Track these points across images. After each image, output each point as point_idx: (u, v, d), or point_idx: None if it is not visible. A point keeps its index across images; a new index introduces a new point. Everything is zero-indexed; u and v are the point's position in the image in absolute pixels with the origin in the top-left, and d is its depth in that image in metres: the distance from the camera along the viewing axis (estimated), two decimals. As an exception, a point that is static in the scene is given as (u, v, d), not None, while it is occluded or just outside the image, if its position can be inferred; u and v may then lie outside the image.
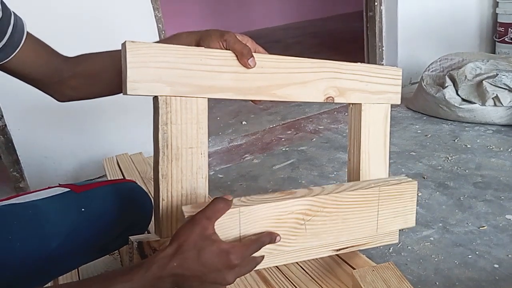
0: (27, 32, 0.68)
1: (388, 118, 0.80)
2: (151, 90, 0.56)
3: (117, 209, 0.80)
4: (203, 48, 0.60)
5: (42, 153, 1.65)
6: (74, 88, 0.76)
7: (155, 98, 0.58)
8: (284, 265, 0.79)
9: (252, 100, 0.67)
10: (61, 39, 1.59)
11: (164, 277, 0.51)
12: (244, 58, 0.62)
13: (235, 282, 0.71)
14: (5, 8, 0.64)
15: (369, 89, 0.76)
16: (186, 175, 0.61)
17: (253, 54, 0.64)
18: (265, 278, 0.79)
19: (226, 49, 0.62)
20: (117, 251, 0.98)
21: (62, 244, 0.73)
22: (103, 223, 0.79)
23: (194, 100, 0.59)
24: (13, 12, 0.67)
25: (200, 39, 0.65)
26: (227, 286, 0.54)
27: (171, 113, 0.58)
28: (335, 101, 0.73)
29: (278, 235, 0.60)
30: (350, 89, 0.74)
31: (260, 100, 0.67)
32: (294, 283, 0.79)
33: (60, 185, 0.81)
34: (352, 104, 0.77)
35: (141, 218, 0.87)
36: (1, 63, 0.66)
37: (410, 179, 0.75)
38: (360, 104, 0.76)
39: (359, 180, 0.78)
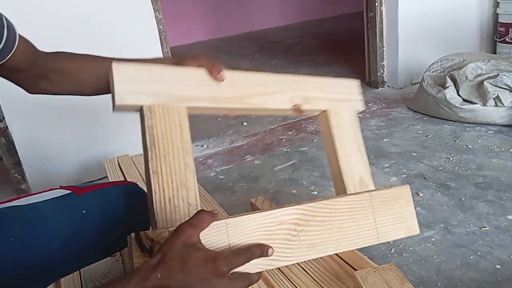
0: (18, 36, 0.71)
1: (356, 122, 0.82)
2: (136, 101, 0.64)
3: (118, 211, 0.80)
4: (181, 66, 0.70)
5: (44, 155, 1.65)
6: (49, 82, 0.78)
7: (140, 108, 0.64)
8: (286, 266, 0.80)
9: (225, 115, 0.75)
10: (60, 40, 1.60)
11: None
12: (214, 72, 0.71)
13: None
14: None
15: (331, 97, 0.80)
16: (175, 171, 0.64)
17: (225, 70, 0.72)
18: (267, 280, 0.79)
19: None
20: (118, 253, 0.98)
21: (63, 246, 0.73)
22: (105, 225, 0.79)
23: (175, 108, 0.65)
24: (3, 16, 0.68)
25: (177, 62, 0.74)
26: None
27: (155, 119, 0.64)
28: (302, 108, 0.76)
29: (270, 247, 0.57)
30: (314, 97, 0.78)
31: (233, 115, 0.76)
32: (296, 285, 0.79)
33: (61, 187, 0.81)
34: (320, 112, 0.80)
35: (143, 220, 0.87)
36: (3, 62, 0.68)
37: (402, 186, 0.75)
38: (326, 110, 0.79)
39: (342, 181, 0.78)
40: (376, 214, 0.70)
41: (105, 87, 0.77)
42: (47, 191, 0.80)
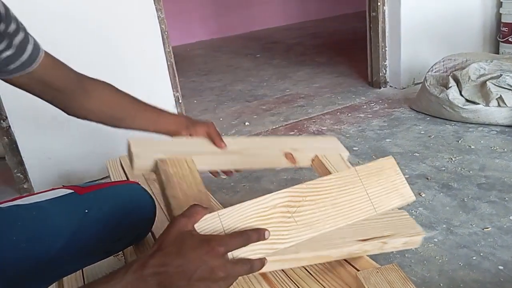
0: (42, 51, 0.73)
1: (347, 162, 0.90)
2: (150, 160, 0.74)
3: (121, 211, 0.80)
4: (188, 138, 0.84)
5: (46, 155, 1.65)
6: (81, 107, 0.81)
7: (155, 163, 0.75)
8: (290, 268, 0.79)
9: (224, 172, 0.84)
10: (63, 39, 1.61)
11: (146, 277, 0.48)
12: (219, 142, 0.81)
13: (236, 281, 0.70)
14: (24, 31, 0.70)
15: (318, 146, 0.91)
16: (190, 194, 0.72)
17: (224, 138, 0.82)
18: (270, 280, 0.78)
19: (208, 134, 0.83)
20: (121, 252, 0.98)
21: (66, 245, 0.74)
22: (107, 224, 0.79)
23: (182, 158, 0.76)
24: (31, 37, 0.72)
25: (187, 126, 0.85)
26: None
27: (168, 163, 0.74)
28: (294, 156, 0.85)
29: (267, 230, 0.58)
30: (302, 148, 0.88)
31: (231, 172, 0.84)
32: (298, 285, 0.79)
33: (63, 187, 0.81)
34: (312, 159, 0.89)
35: (145, 219, 0.87)
36: (24, 73, 0.70)
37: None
38: (317, 155, 0.88)
39: None
40: (366, 187, 0.71)
41: (129, 129, 0.88)
42: (50, 190, 0.80)
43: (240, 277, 0.67)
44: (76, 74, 0.80)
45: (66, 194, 0.78)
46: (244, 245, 0.55)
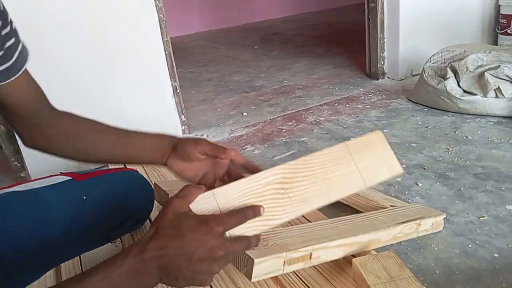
0: (25, 67, 0.67)
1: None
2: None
3: (119, 198, 0.80)
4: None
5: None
6: (45, 138, 0.72)
7: None
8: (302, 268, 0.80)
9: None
10: (57, 30, 1.59)
11: (146, 261, 0.48)
12: (221, 154, 0.69)
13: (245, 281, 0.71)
14: (16, 36, 0.65)
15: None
16: None
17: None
18: (281, 283, 0.78)
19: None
20: (119, 239, 0.99)
21: (64, 232, 0.74)
22: (105, 211, 0.79)
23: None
24: (22, 41, 0.67)
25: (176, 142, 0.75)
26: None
27: None
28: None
29: (261, 206, 0.59)
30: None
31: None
32: (296, 272, 0.80)
33: (61, 174, 0.81)
34: None
35: (143, 207, 0.88)
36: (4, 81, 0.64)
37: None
38: None
39: None
40: (356, 161, 0.73)
41: (103, 158, 0.77)
42: (47, 177, 0.80)
43: (256, 285, 0.70)
44: (48, 104, 0.73)
45: (64, 181, 0.78)
46: (242, 223, 0.55)
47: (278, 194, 0.65)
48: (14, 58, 0.64)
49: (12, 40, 0.64)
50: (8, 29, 0.63)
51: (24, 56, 0.66)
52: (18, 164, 1.63)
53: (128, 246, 0.51)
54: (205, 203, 0.58)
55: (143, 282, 0.49)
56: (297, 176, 0.67)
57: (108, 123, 0.75)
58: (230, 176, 0.73)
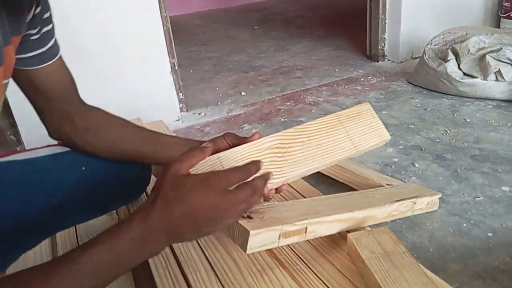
0: (60, 54, 0.72)
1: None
2: None
3: (117, 170, 0.80)
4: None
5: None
6: (73, 126, 0.74)
7: None
8: (297, 243, 0.80)
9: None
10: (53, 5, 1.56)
11: (152, 228, 0.47)
12: (249, 138, 0.71)
13: (246, 260, 0.72)
14: (53, 22, 0.68)
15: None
16: None
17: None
18: (278, 258, 0.78)
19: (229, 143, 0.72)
20: (115, 211, 0.99)
21: (61, 202, 0.74)
22: (103, 182, 0.79)
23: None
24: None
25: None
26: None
27: None
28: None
29: (261, 161, 0.60)
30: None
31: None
32: (291, 247, 0.80)
33: (59, 144, 0.80)
34: None
35: (140, 179, 0.87)
36: (33, 68, 0.67)
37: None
38: None
39: None
40: (347, 129, 0.80)
41: (128, 151, 0.76)
42: (45, 147, 0.79)
43: (251, 259, 0.72)
44: (79, 96, 0.77)
45: (62, 152, 0.78)
46: (245, 179, 0.54)
47: (276, 157, 0.70)
48: (50, 44, 0.68)
49: (50, 26, 0.67)
50: (48, 14, 0.66)
51: (58, 43, 0.70)
52: (14, 138, 1.62)
53: (131, 214, 0.49)
54: (210, 165, 0.62)
55: (151, 248, 0.49)
56: (294, 141, 0.73)
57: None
58: None
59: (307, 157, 0.73)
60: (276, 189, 0.71)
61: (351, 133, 0.80)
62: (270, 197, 0.69)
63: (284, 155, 0.71)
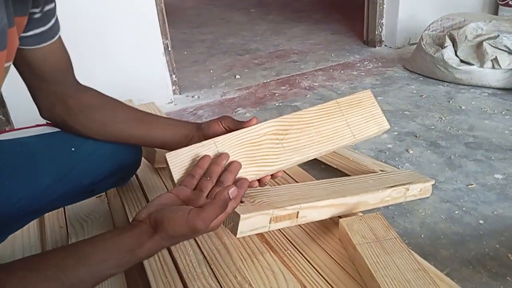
0: (59, 35, 0.69)
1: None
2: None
3: (107, 152, 0.78)
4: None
5: (30, 96, 1.59)
6: (66, 108, 0.72)
7: None
8: (288, 228, 0.79)
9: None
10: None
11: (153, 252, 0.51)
12: (246, 123, 0.70)
13: (236, 245, 0.72)
14: (55, 2, 0.66)
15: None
16: None
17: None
18: (269, 243, 0.78)
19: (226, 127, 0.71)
20: (104, 193, 0.97)
21: (50, 183, 0.72)
22: (93, 163, 0.77)
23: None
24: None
25: (198, 127, 0.73)
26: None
27: None
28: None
29: (239, 162, 0.63)
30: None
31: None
32: (283, 232, 0.79)
33: (48, 124, 0.78)
34: None
35: (130, 162, 0.86)
36: (32, 47, 0.65)
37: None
38: None
39: None
40: (346, 117, 0.78)
41: (122, 133, 0.75)
42: (34, 127, 0.77)
43: (241, 242, 0.73)
44: (74, 77, 0.75)
45: (52, 132, 0.76)
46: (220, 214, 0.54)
47: (273, 143, 0.69)
48: (51, 23, 0.65)
49: (52, 5, 0.65)
50: None
51: (57, 25, 0.68)
52: (2, 118, 1.59)
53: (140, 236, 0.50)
54: (206, 149, 0.63)
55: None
56: (291, 128, 0.71)
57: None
58: None
59: (305, 145, 0.71)
60: (272, 175, 0.70)
61: (350, 121, 0.77)
62: (266, 182, 0.68)
63: (281, 141, 0.69)
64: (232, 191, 0.54)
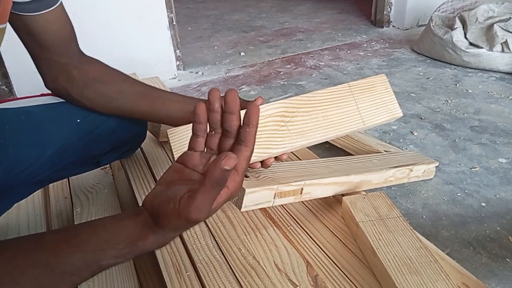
0: (61, 2, 0.67)
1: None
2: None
3: (113, 124, 0.78)
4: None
5: (33, 67, 1.58)
6: (70, 79, 0.71)
7: None
8: (291, 204, 0.80)
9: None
10: None
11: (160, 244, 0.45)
12: (253, 101, 0.65)
13: (240, 219, 0.72)
14: None
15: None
16: None
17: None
18: (272, 217, 0.78)
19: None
20: (108, 165, 0.98)
21: (55, 153, 0.72)
22: (99, 136, 0.77)
23: None
24: None
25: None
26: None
27: None
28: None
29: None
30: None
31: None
32: (287, 208, 0.80)
33: (53, 94, 0.77)
34: None
35: (135, 135, 0.86)
36: (31, 14, 0.63)
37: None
38: None
39: None
40: (357, 101, 0.73)
41: (126, 106, 0.73)
42: (39, 96, 0.77)
43: (246, 217, 0.71)
44: (78, 47, 0.73)
45: (57, 102, 0.75)
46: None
47: (278, 126, 0.66)
48: None
49: None
50: None
51: None
52: (5, 89, 1.58)
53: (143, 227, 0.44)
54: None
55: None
56: (298, 111, 0.68)
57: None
58: None
59: (311, 128, 0.68)
60: (276, 157, 0.68)
61: (361, 106, 0.73)
62: (268, 165, 0.66)
63: (287, 124, 0.67)
64: (226, 160, 0.39)
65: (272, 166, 0.77)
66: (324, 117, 0.69)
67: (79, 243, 0.42)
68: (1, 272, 0.39)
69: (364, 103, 0.74)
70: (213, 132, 0.49)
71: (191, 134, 0.50)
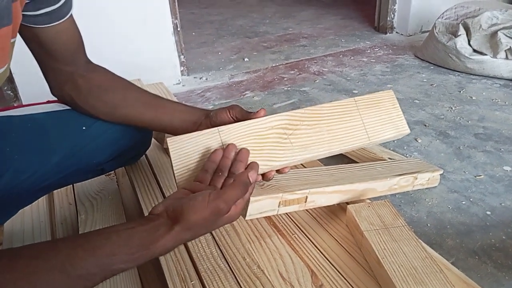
0: (71, 13, 0.68)
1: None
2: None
3: (118, 131, 0.78)
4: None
5: (39, 72, 1.59)
6: (75, 87, 0.72)
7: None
8: (296, 212, 0.79)
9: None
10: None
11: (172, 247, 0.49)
12: (254, 115, 0.67)
13: (244, 227, 0.72)
14: None
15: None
16: None
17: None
18: (276, 226, 0.78)
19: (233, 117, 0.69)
20: (113, 172, 0.98)
21: (60, 160, 0.72)
22: (103, 143, 0.77)
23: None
24: None
25: (206, 115, 0.71)
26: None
27: None
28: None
29: (247, 150, 0.60)
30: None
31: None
32: (291, 217, 0.79)
33: (58, 101, 0.78)
34: None
35: (140, 142, 0.86)
36: (42, 26, 0.64)
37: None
38: None
39: None
40: (363, 117, 0.72)
41: (129, 115, 0.73)
42: (45, 103, 0.77)
43: (250, 224, 0.72)
44: (85, 56, 0.74)
45: (63, 110, 0.76)
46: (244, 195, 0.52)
47: (280, 138, 0.65)
48: (61, 2, 0.64)
49: None
50: None
51: (70, 1, 0.66)
52: (11, 94, 1.59)
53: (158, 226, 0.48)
54: (209, 137, 0.60)
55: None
56: (302, 124, 0.67)
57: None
58: None
59: (314, 142, 0.67)
60: (277, 170, 0.67)
61: (367, 121, 0.72)
62: (270, 178, 0.65)
63: (289, 137, 0.66)
64: (252, 173, 0.53)
65: (276, 175, 0.77)
66: (328, 131, 0.69)
67: (93, 248, 0.44)
68: (18, 277, 0.40)
69: (370, 119, 0.72)
70: (220, 174, 0.56)
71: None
